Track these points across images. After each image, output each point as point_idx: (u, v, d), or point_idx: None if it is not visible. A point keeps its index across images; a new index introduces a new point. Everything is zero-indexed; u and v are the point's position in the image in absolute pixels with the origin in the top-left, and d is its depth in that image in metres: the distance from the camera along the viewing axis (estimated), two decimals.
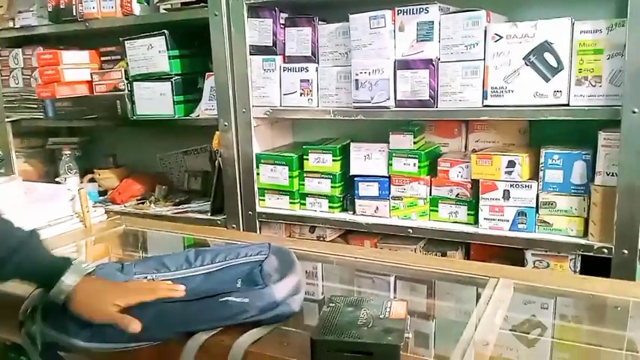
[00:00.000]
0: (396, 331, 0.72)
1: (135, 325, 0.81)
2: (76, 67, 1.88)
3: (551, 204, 1.38)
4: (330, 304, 0.81)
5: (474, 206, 1.49)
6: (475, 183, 1.48)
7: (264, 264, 1.00)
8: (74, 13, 1.84)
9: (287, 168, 1.70)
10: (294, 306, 0.87)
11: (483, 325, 0.81)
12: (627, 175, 1.25)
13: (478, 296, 0.92)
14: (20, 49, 2.08)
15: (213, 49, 1.70)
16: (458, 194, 1.51)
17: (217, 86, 1.72)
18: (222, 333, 0.80)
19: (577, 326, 0.94)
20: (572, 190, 1.36)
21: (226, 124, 1.73)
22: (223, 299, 0.84)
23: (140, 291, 0.87)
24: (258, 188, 1.75)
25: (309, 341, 0.72)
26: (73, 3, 1.83)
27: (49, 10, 1.89)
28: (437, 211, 1.54)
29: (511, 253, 1.43)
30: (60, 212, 1.31)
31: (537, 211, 1.40)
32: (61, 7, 1.85)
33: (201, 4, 1.68)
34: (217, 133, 1.76)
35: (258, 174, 1.74)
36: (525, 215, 1.41)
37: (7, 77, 2.13)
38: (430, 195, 1.55)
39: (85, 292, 0.84)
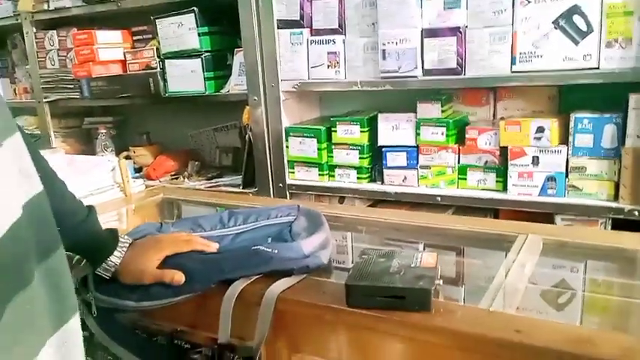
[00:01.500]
0: (426, 277, 0.75)
1: (178, 277, 0.86)
2: (110, 47, 1.94)
3: (581, 168, 1.38)
4: (363, 256, 0.84)
5: (502, 173, 1.49)
6: (504, 150, 1.48)
7: (293, 224, 1.05)
8: None
9: (315, 140, 1.73)
10: (322, 258, 0.91)
11: (512, 275, 0.84)
12: None
13: (507, 250, 0.94)
14: (55, 31, 2.15)
15: (241, 25, 1.73)
16: (486, 162, 1.52)
17: (246, 62, 1.76)
18: (258, 282, 0.85)
19: (607, 279, 0.96)
20: (603, 154, 1.36)
21: (255, 98, 1.77)
22: (255, 248, 0.89)
23: (176, 242, 0.92)
24: (288, 161, 1.79)
25: (344, 287, 0.76)
26: None
27: None
28: (465, 179, 1.56)
29: (540, 219, 1.43)
30: (101, 182, 1.37)
31: (567, 176, 1.40)
32: None
33: None
34: (247, 108, 1.80)
35: (287, 147, 1.78)
36: (555, 180, 1.41)
37: (43, 59, 2.21)
38: (458, 163, 1.56)
39: (129, 263, 0.88)
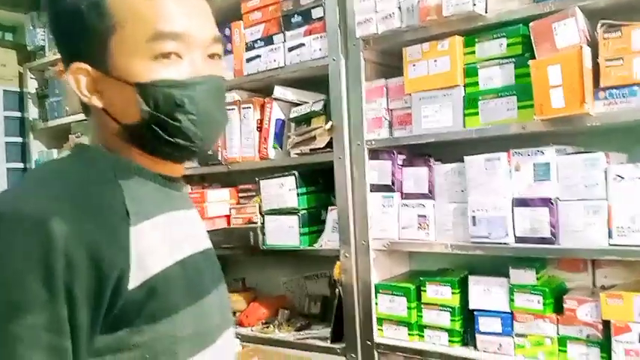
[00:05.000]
0: None
1: None
2: (218, 202, 2.16)
3: None
4: None
5: (606, 348, 1.41)
6: (606, 323, 1.42)
7: None
8: (219, 158, 2.15)
9: (405, 299, 1.75)
10: None
11: None
12: None
13: None
14: None
15: (336, 188, 1.88)
16: (588, 335, 1.45)
17: (339, 220, 1.88)
18: None
19: None
20: None
21: (347, 254, 1.85)
22: None
23: None
24: (377, 318, 1.81)
25: None
26: (219, 149, 2.15)
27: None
28: (565, 351, 1.48)
29: None
30: None
31: None
32: (210, 153, 2.18)
33: (327, 149, 1.89)
34: (338, 263, 1.88)
35: (376, 304, 1.81)
36: None
37: None
38: (558, 334, 1.50)
39: None
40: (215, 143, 0.87)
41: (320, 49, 1.89)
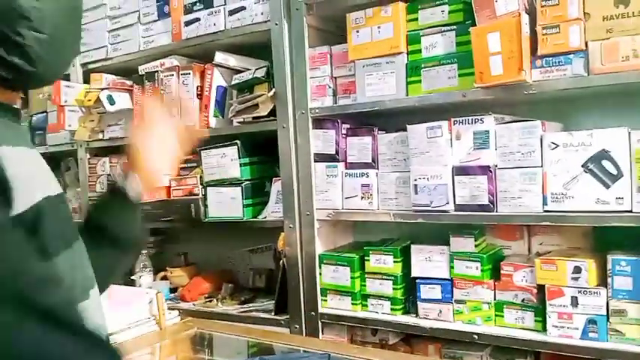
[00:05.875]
0: None
1: None
2: None
3: (623, 312, 1.34)
4: None
5: (541, 312, 1.46)
6: (541, 288, 1.46)
7: None
8: None
9: (349, 269, 1.75)
10: None
11: None
12: None
13: None
14: (108, 158, 2.32)
15: (280, 158, 1.84)
16: (524, 299, 1.49)
17: (283, 191, 1.84)
18: None
19: None
20: None
21: (291, 225, 1.83)
22: None
23: None
24: (321, 288, 1.80)
25: None
26: None
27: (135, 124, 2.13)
28: (502, 316, 1.52)
29: None
30: (139, 315, 1.41)
31: (608, 319, 1.36)
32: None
33: (271, 117, 1.84)
34: (282, 234, 1.85)
35: (320, 274, 1.80)
36: (596, 324, 1.36)
37: (93, 183, 2.36)
38: (495, 299, 1.54)
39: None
40: (60, 75, 0.75)
41: (262, 13, 1.82)
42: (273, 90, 1.83)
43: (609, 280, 1.36)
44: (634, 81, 1.30)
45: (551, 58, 1.40)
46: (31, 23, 0.63)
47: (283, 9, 1.77)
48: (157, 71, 2.05)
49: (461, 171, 1.54)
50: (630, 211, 1.32)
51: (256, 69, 1.91)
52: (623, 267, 1.34)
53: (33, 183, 0.64)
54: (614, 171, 1.34)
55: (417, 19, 1.60)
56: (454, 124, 1.55)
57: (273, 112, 1.84)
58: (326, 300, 1.80)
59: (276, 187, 1.92)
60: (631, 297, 1.33)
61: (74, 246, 0.72)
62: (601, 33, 1.34)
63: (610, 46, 1.32)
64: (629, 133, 1.33)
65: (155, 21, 2.09)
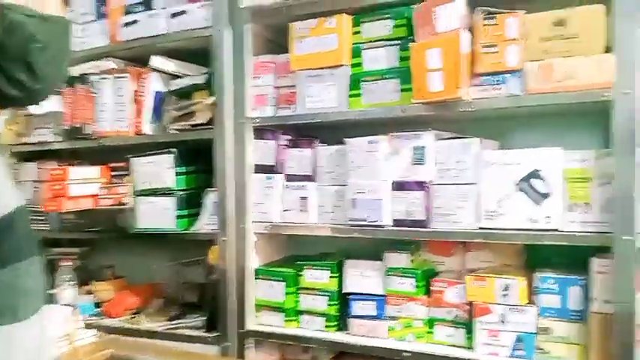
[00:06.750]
0: None
1: None
2: (84, 182, 1.95)
3: (549, 330, 1.35)
4: None
5: (472, 329, 1.45)
6: (472, 305, 1.45)
7: None
8: (89, 132, 1.95)
9: (284, 284, 1.69)
10: None
11: None
12: (622, 303, 1.23)
13: None
14: (35, 163, 2.18)
15: (216, 168, 1.77)
16: (456, 316, 1.48)
17: (219, 202, 1.77)
18: None
19: None
20: (570, 316, 1.34)
21: (225, 238, 1.76)
22: None
23: None
24: (255, 304, 1.73)
25: None
26: (88, 123, 1.95)
27: (66, 128, 2.02)
28: (432, 332, 1.50)
29: None
30: (49, 334, 1.28)
31: (535, 338, 1.36)
32: (76, 126, 1.98)
33: (209, 126, 1.78)
34: (215, 247, 1.78)
35: (254, 289, 1.73)
36: (523, 341, 1.37)
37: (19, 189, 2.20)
38: (428, 316, 1.52)
39: None
40: (52, 93, 0.79)
41: (205, 19, 1.77)
42: (213, 98, 1.77)
43: (537, 297, 1.37)
44: (566, 102, 1.34)
45: (488, 77, 1.42)
46: (38, 45, 0.68)
47: (226, 15, 1.73)
48: (91, 73, 1.95)
49: (398, 186, 1.53)
50: (559, 230, 1.34)
51: (196, 75, 1.85)
52: (551, 285, 1.36)
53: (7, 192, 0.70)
54: (544, 190, 1.36)
55: (360, 32, 1.60)
56: (393, 138, 1.55)
57: (211, 121, 1.78)
58: (259, 316, 1.73)
59: (211, 198, 1.85)
60: (558, 315, 1.35)
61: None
62: (538, 54, 1.37)
63: (545, 67, 1.36)
64: (561, 153, 1.36)
65: (92, 21, 2.00)
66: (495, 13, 1.41)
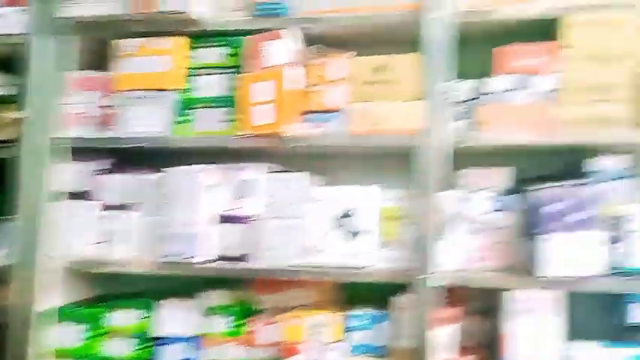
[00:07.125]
0: None
1: None
2: None
3: None
4: None
5: None
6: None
7: None
8: None
9: (86, 327, 1.50)
10: None
11: None
12: (418, 339, 1.27)
13: None
14: None
15: (18, 192, 1.54)
16: (274, 356, 1.41)
17: (16, 231, 1.53)
18: None
19: None
20: (379, 353, 1.35)
21: (19, 275, 1.51)
22: None
23: None
24: (55, 350, 1.50)
25: None
26: None
27: None
28: None
29: None
30: None
31: None
32: None
33: (13, 143, 1.56)
34: (8, 284, 1.52)
35: (47, 336, 1.50)
36: None
37: None
38: (247, 357, 1.43)
39: None
40: None
41: (20, 24, 1.59)
42: (21, 112, 1.57)
43: (349, 334, 1.36)
44: (380, 145, 1.40)
45: (314, 115, 1.45)
46: None
47: (45, 23, 1.57)
48: None
49: (220, 219, 1.46)
50: (369, 267, 1.36)
51: (5, 86, 1.64)
52: (362, 322, 1.36)
53: None
54: (357, 228, 1.39)
55: (193, 57, 1.54)
56: (216, 169, 1.49)
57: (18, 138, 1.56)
58: None
59: (6, 227, 1.60)
60: (368, 351, 1.35)
61: None
62: (361, 96, 1.43)
63: (363, 109, 1.41)
64: (377, 191, 1.41)
65: None
66: (325, 53, 1.46)
